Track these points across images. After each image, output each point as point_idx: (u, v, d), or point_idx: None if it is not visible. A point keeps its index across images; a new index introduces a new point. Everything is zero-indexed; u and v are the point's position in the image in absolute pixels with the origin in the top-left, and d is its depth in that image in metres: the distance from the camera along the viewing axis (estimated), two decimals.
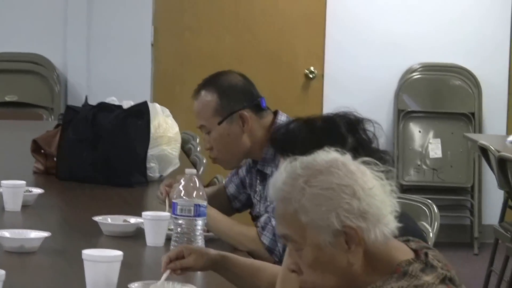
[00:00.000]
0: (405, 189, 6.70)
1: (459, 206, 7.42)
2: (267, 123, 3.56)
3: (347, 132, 2.53)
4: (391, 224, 1.98)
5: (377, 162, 2.08)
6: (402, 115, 7.34)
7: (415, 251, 2.04)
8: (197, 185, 2.97)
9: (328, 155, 2.06)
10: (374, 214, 1.97)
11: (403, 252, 2.03)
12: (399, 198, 2.51)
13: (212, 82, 3.63)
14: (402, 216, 2.12)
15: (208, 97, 3.57)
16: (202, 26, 7.35)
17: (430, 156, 7.42)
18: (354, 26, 7.44)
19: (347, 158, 2.05)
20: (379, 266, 2.00)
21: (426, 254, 2.02)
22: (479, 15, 7.51)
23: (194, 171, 3.11)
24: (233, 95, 3.61)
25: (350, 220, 1.94)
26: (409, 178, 7.22)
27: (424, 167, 7.34)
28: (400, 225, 2.02)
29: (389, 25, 7.45)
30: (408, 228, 2.30)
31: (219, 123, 3.53)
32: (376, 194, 2.00)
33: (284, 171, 2.04)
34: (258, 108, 3.60)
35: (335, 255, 1.97)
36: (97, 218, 3.30)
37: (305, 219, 1.95)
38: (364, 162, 2.04)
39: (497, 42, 7.50)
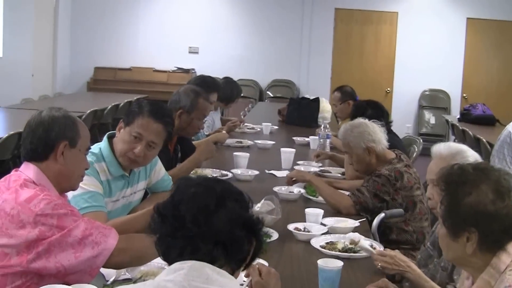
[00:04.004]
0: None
1: None
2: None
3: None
4: (384, 143, 2.53)
5: (378, 121, 2.67)
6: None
7: (396, 154, 2.55)
8: None
9: (359, 120, 2.58)
10: (377, 140, 2.51)
11: (391, 154, 2.58)
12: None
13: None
14: (392, 140, 2.66)
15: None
16: None
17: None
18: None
19: (367, 121, 2.55)
20: (381, 160, 2.50)
21: (400, 156, 2.56)
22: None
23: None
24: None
25: (369, 143, 2.51)
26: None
27: None
28: (389, 144, 2.52)
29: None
30: (394, 144, 2.78)
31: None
32: (377, 132, 2.55)
33: (342, 128, 2.59)
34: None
35: (364, 157, 2.54)
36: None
37: (351, 144, 2.54)
38: (372, 121, 2.58)
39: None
